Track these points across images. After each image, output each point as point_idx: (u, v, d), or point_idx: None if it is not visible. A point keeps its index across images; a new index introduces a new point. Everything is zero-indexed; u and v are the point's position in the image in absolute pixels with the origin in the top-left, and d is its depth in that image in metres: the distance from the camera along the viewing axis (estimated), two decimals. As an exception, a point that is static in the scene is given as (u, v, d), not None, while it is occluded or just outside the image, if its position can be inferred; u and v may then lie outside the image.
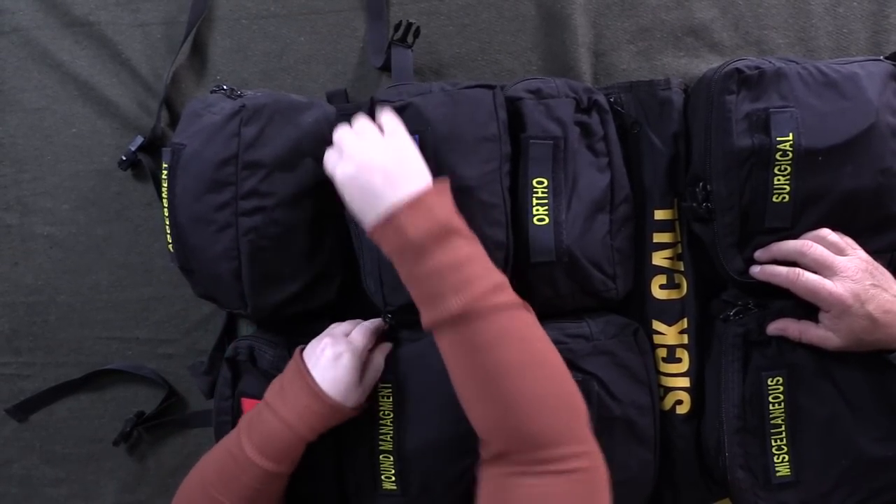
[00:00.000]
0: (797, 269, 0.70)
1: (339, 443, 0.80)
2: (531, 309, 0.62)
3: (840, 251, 0.70)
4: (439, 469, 0.73)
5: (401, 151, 0.65)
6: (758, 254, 0.73)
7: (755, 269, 0.73)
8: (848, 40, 0.90)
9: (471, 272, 0.59)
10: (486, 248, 0.70)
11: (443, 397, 0.72)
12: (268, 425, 0.68)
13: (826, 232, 0.71)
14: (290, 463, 0.70)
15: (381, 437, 0.74)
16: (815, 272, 0.70)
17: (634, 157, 0.82)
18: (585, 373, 0.75)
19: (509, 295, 0.61)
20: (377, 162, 0.63)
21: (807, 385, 0.73)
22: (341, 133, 0.67)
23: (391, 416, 0.74)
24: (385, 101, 0.72)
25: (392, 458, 0.73)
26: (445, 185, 0.65)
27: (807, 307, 0.72)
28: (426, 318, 0.61)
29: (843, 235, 0.71)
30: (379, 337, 0.77)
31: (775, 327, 0.73)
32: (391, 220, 0.60)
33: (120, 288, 0.96)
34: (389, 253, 0.62)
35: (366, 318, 0.83)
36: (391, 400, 0.74)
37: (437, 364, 0.73)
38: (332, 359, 0.69)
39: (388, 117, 0.67)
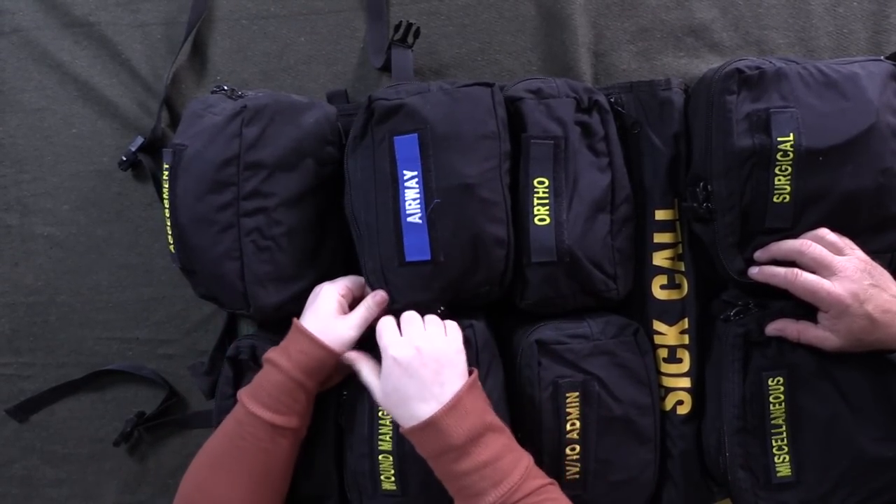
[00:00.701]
0: (795, 270, 0.70)
1: (339, 443, 0.80)
2: (556, 483, 0.67)
3: (839, 251, 0.70)
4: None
5: (454, 354, 0.68)
6: (757, 254, 0.73)
7: (753, 271, 0.73)
8: (848, 40, 0.90)
9: (506, 464, 0.64)
10: (487, 245, 0.71)
11: None
12: (267, 378, 0.70)
13: (825, 232, 0.71)
14: (297, 417, 0.71)
15: (380, 436, 0.74)
16: (813, 272, 0.70)
17: (635, 157, 0.82)
18: (586, 373, 0.75)
19: (538, 477, 0.65)
20: (432, 356, 0.66)
21: (807, 385, 0.73)
22: (410, 318, 0.70)
23: (390, 416, 0.74)
24: (380, 99, 0.72)
25: (392, 458, 0.73)
26: (475, 378, 0.68)
27: (806, 308, 0.72)
28: None
29: (841, 236, 0.71)
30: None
31: (773, 328, 0.73)
32: (433, 423, 0.64)
33: (120, 288, 0.96)
34: (428, 454, 0.65)
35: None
36: None
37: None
38: (312, 295, 0.74)
39: (452, 325, 0.71)
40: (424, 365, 0.66)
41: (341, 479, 0.80)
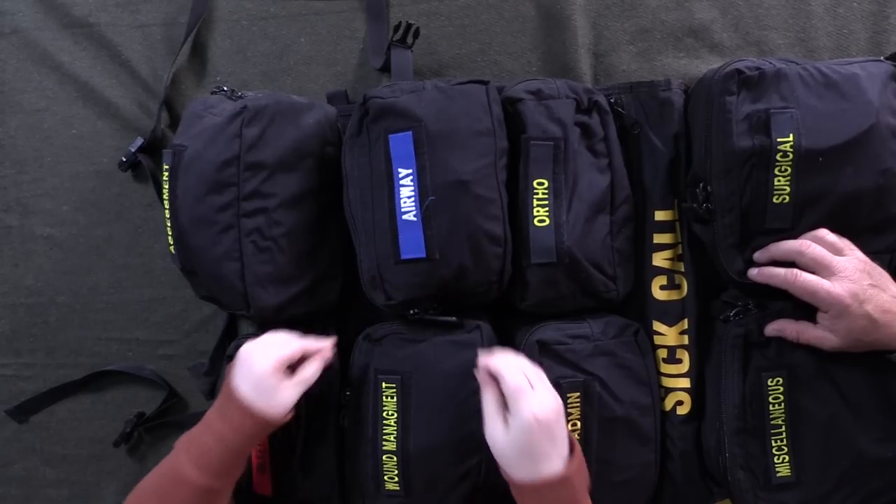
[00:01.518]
0: (795, 270, 0.70)
1: (340, 444, 0.80)
2: None
3: (838, 251, 0.70)
4: (443, 470, 0.73)
5: (559, 401, 0.66)
6: (756, 255, 0.73)
7: (753, 272, 0.73)
8: (848, 41, 0.90)
9: None
10: (482, 242, 0.71)
11: (447, 398, 0.72)
12: (203, 439, 0.67)
13: (824, 232, 0.71)
14: (228, 478, 0.68)
15: (384, 437, 0.74)
16: (813, 272, 0.70)
17: (635, 157, 0.82)
18: (587, 373, 0.75)
19: None
20: (560, 412, 0.65)
21: (807, 386, 0.73)
22: (537, 372, 0.67)
23: (395, 416, 0.74)
24: (374, 97, 0.72)
25: (395, 459, 0.73)
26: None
27: (806, 308, 0.72)
28: None
29: (840, 237, 0.71)
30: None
31: (773, 328, 0.73)
32: (568, 479, 0.63)
33: (120, 289, 0.96)
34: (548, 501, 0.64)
35: (366, 319, 0.83)
36: (395, 400, 0.74)
37: (442, 365, 0.73)
38: (248, 367, 0.68)
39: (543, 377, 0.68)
40: (559, 425, 0.64)
41: (343, 480, 0.80)
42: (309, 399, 0.75)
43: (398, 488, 0.74)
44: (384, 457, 0.73)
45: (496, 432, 0.65)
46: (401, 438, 0.73)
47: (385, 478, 0.74)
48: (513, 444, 0.63)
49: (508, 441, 0.64)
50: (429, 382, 0.73)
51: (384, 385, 0.74)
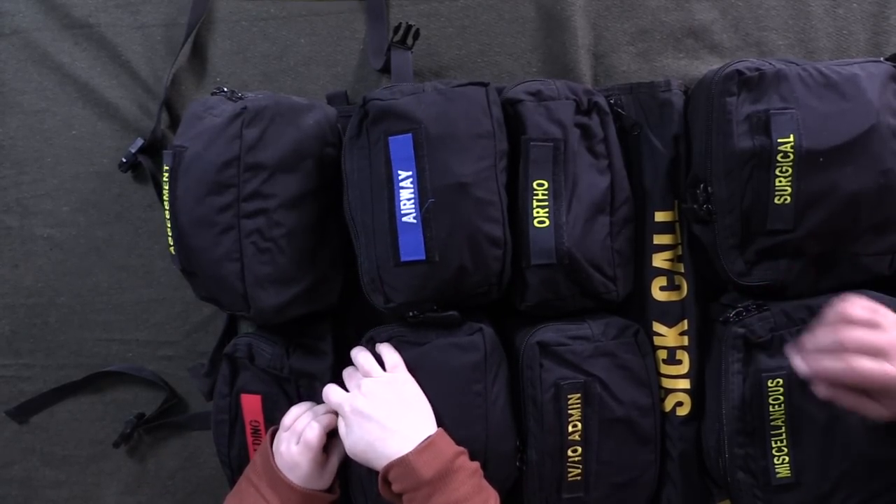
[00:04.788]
0: (850, 361, 0.61)
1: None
2: None
3: (875, 325, 0.62)
4: None
5: (406, 391, 0.72)
6: (792, 355, 0.66)
7: (800, 365, 0.64)
8: (848, 42, 0.90)
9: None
10: (482, 245, 0.71)
11: (450, 399, 0.72)
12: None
13: (850, 309, 0.62)
14: None
15: None
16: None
17: (635, 158, 0.82)
18: (588, 374, 0.75)
19: None
20: (382, 402, 0.70)
21: (807, 387, 0.73)
22: (350, 371, 0.75)
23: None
24: (374, 100, 0.72)
25: None
26: (443, 431, 0.71)
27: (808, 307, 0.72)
28: None
29: (863, 301, 0.63)
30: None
31: (827, 394, 0.64)
32: (404, 461, 0.66)
33: (120, 290, 0.96)
34: (401, 490, 0.67)
35: (365, 321, 0.83)
36: None
37: (444, 368, 0.73)
38: (292, 459, 0.72)
39: (391, 355, 0.74)
40: (378, 406, 0.69)
41: (344, 480, 0.80)
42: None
43: None
44: None
45: (346, 447, 0.71)
46: None
47: None
48: (350, 447, 0.70)
49: (348, 446, 0.71)
50: (431, 385, 0.73)
51: None
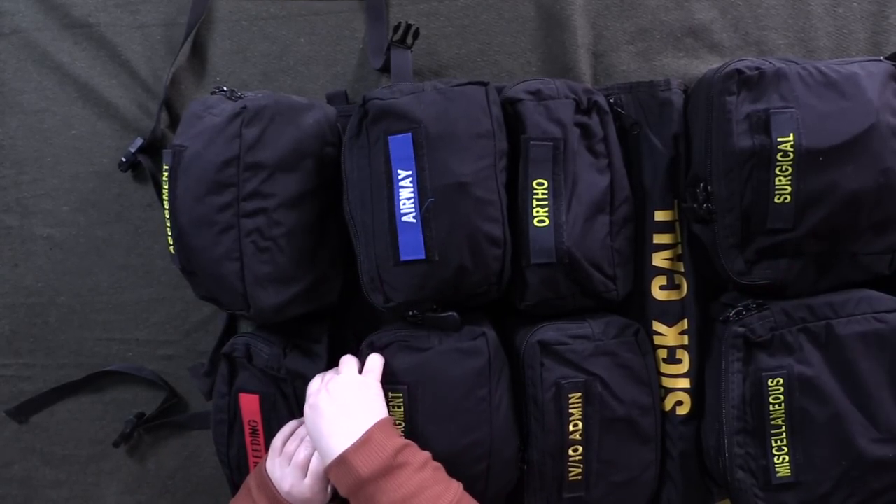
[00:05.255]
0: None
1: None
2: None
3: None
4: (452, 476, 0.72)
5: (364, 391, 0.70)
6: None
7: None
8: (848, 41, 0.90)
9: (426, 499, 0.63)
10: (482, 244, 0.71)
11: (454, 406, 0.72)
12: None
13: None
14: None
15: None
16: None
17: (634, 158, 0.82)
18: (588, 373, 0.75)
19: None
20: (340, 394, 0.69)
21: (807, 386, 0.73)
22: (329, 374, 0.73)
23: (402, 425, 0.73)
24: (374, 99, 0.72)
25: None
26: (388, 419, 0.69)
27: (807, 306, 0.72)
28: None
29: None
30: None
31: None
32: (344, 458, 0.65)
33: (120, 289, 0.96)
34: (346, 493, 0.66)
35: (365, 320, 0.83)
36: (402, 410, 0.73)
37: (449, 373, 0.73)
38: (290, 483, 0.71)
39: (373, 360, 0.73)
40: (331, 403, 0.68)
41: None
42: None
43: None
44: None
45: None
46: None
47: None
48: (311, 438, 0.70)
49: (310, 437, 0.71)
50: (435, 391, 0.73)
51: (390, 395, 0.73)
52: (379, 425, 0.67)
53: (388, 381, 0.74)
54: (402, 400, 0.73)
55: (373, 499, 0.63)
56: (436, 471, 0.67)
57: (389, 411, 0.73)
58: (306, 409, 0.70)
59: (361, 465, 0.63)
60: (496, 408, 0.74)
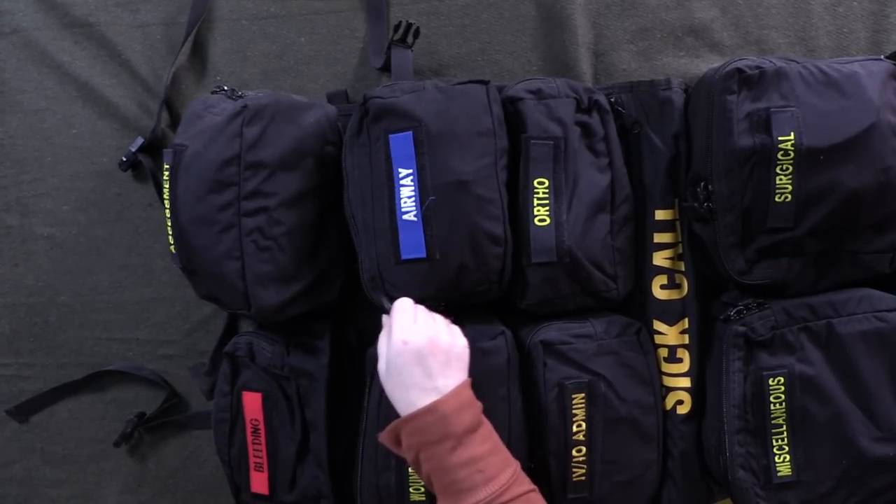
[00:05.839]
0: None
1: (333, 443, 0.79)
2: (538, 490, 0.65)
3: None
4: None
5: (462, 350, 0.68)
6: None
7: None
8: (848, 40, 0.90)
9: (498, 462, 0.63)
10: (483, 242, 0.71)
11: None
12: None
13: None
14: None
15: None
16: None
17: (635, 157, 0.82)
18: (592, 373, 0.75)
19: (525, 483, 0.64)
20: (443, 349, 0.66)
21: (808, 385, 0.73)
22: (422, 309, 0.69)
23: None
24: (375, 98, 0.72)
25: None
26: (469, 381, 0.67)
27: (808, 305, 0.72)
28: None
29: None
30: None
31: None
32: (436, 409, 0.63)
33: (120, 289, 0.96)
34: (423, 442, 0.63)
35: (366, 319, 0.83)
36: None
37: (471, 373, 0.72)
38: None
39: (456, 328, 0.70)
40: (434, 354, 0.65)
41: (335, 479, 0.80)
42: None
43: (424, 499, 0.74)
44: (410, 468, 0.72)
45: (381, 362, 0.67)
46: None
47: (411, 489, 0.73)
48: (386, 368, 0.66)
49: (383, 365, 0.67)
50: None
51: None
52: (466, 381, 0.66)
53: None
54: None
55: (451, 453, 0.62)
56: (500, 441, 0.66)
57: None
58: (401, 345, 0.65)
59: (457, 418, 0.62)
60: (514, 407, 0.74)
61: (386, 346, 0.67)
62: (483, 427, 0.65)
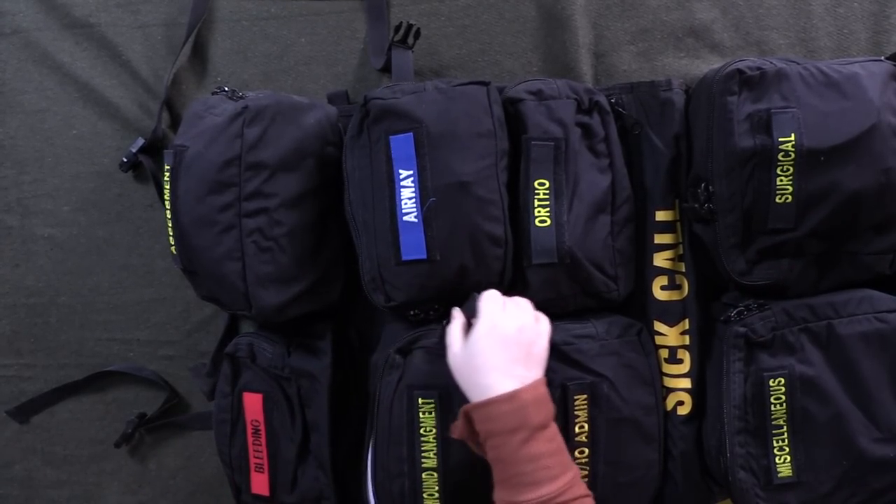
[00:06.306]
0: None
1: (335, 444, 0.79)
2: (592, 497, 0.64)
3: None
4: (483, 481, 0.71)
5: (544, 345, 0.68)
6: None
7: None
8: (848, 41, 0.90)
9: (564, 461, 0.63)
10: (483, 243, 0.71)
11: None
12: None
13: None
14: None
15: (423, 454, 0.72)
16: None
17: (636, 157, 0.82)
18: (595, 374, 0.75)
19: (582, 487, 0.64)
20: (528, 339, 0.66)
21: (808, 386, 0.73)
22: (516, 299, 0.69)
23: (434, 431, 0.72)
24: (375, 99, 0.72)
25: (436, 475, 0.72)
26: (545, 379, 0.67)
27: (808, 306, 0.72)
28: (511, 497, 0.62)
29: None
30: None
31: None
32: (518, 396, 0.62)
33: (121, 290, 0.96)
34: (497, 430, 0.62)
35: (367, 320, 0.83)
36: (433, 416, 0.72)
37: None
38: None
39: (545, 319, 0.70)
40: (519, 344, 0.65)
41: (337, 482, 0.80)
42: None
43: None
44: (424, 474, 0.72)
45: (454, 346, 0.67)
46: (442, 454, 0.72)
47: (425, 495, 0.73)
48: (467, 352, 0.66)
49: (463, 350, 0.66)
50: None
51: (421, 401, 0.72)
52: (543, 379, 0.66)
53: (419, 387, 0.73)
54: (433, 406, 0.72)
55: (525, 444, 0.61)
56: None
57: (419, 418, 0.73)
58: (489, 328, 0.65)
59: (535, 410, 0.62)
60: None
61: (457, 336, 0.67)
62: (553, 426, 0.64)
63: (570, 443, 0.75)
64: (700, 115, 0.76)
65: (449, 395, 0.71)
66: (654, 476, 0.80)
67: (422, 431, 0.72)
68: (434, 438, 0.72)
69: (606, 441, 0.75)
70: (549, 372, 0.73)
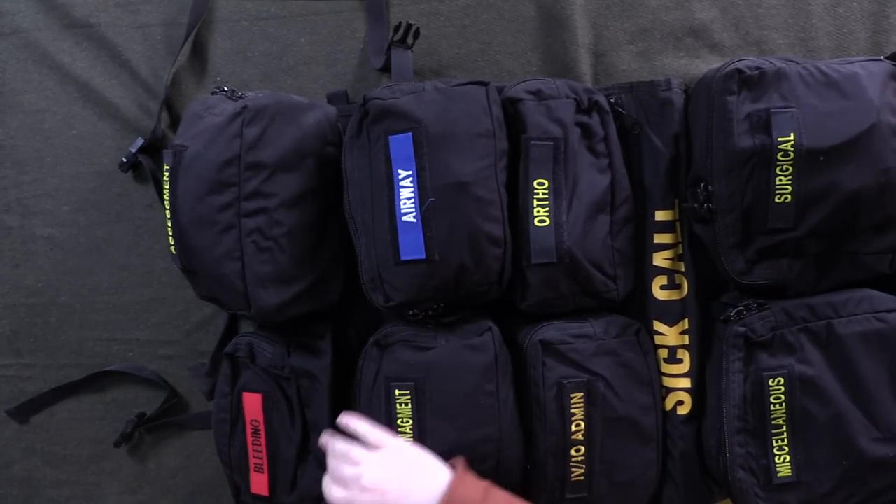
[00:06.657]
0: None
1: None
2: None
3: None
4: None
5: (403, 457, 0.68)
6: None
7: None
8: (848, 40, 0.90)
9: None
10: (482, 244, 0.71)
11: (462, 402, 0.73)
12: None
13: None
14: None
15: None
16: None
17: (635, 157, 0.82)
18: (591, 373, 0.75)
19: None
20: (388, 480, 0.66)
21: (808, 386, 0.73)
22: (334, 464, 0.69)
23: (410, 422, 0.73)
24: (375, 99, 0.72)
25: None
26: (462, 463, 0.68)
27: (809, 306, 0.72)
28: None
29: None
30: None
31: None
32: (454, 499, 0.63)
33: (120, 289, 0.96)
34: None
35: (366, 320, 0.83)
36: (410, 407, 0.73)
37: (456, 370, 0.73)
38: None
39: (364, 428, 0.70)
40: (386, 492, 0.65)
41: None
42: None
43: None
44: None
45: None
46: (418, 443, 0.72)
47: None
48: None
49: None
50: (443, 387, 0.73)
51: (397, 392, 0.73)
52: (459, 473, 0.66)
53: (396, 378, 0.74)
54: (409, 397, 0.73)
55: None
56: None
57: (395, 409, 0.73)
58: (364, 497, 0.65)
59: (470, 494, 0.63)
60: (504, 404, 0.74)
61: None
62: (494, 489, 0.64)
63: (567, 441, 0.75)
64: (699, 114, 0.76)
65: (425, 385, 0.72)
66: (652, 476, 0.80)
67: (398, 422, 0.73)
68: (410, 430, 0.73)
69: (603, 440, 0.76)
70: (546, 370, 0.74)
